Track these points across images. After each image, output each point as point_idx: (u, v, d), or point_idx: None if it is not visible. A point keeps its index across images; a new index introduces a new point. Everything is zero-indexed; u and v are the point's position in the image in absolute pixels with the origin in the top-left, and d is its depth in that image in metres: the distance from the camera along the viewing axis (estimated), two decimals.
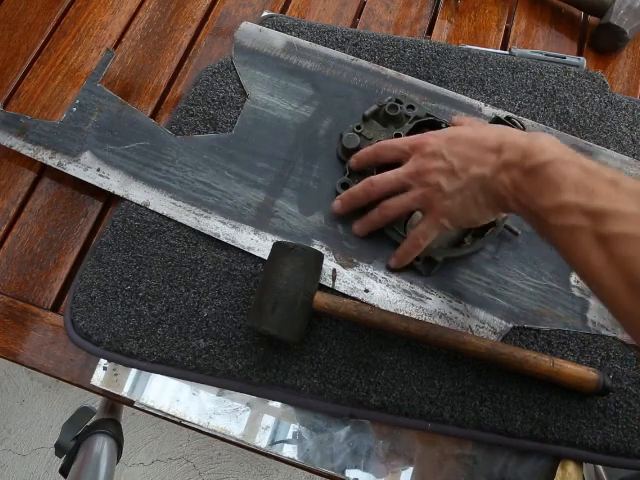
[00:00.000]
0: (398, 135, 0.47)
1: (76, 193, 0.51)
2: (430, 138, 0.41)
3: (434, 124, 0.48)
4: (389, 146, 0.43)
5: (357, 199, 0.45)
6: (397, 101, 0.49)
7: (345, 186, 0.47)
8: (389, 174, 0.42)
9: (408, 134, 0.47)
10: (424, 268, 0.45)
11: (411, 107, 0.49)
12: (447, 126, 0.47)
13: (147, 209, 0.48)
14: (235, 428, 0.43)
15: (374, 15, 0.60)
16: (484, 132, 0.38)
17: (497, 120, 0.47)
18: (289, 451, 0.43)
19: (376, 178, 0.43)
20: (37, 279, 0.48)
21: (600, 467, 0.43)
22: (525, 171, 0.34)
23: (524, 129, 0.46)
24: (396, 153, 0.43)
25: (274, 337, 0.40)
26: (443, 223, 0.40)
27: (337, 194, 0.47)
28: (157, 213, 0.48)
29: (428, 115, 0.49)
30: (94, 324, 0.44)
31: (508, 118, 0.47)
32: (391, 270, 0.46)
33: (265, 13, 0.59)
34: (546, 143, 0.34)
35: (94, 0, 0.61)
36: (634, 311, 0.28)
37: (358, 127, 0.49)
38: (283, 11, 0.61)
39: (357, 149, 0.48)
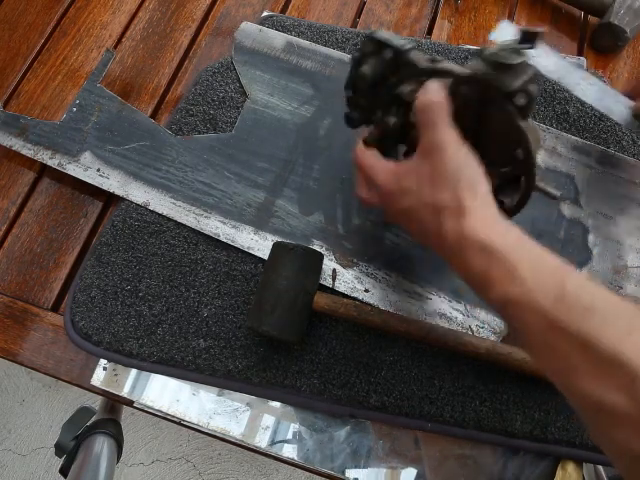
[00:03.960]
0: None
1: (76, 193, 0.51)
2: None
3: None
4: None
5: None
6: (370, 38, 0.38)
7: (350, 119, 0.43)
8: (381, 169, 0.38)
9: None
10: None
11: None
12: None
13: (147, 209, 0.48)
14: (235, 428, 0.43)
15: (374, 15, 0.60)
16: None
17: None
18: (289, 451, 0.43)
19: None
20: (37, 279, 0.48)
21: (600, 467, 0.43)
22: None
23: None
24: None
25: (274, 337, 0.40)
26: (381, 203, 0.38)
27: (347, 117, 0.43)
28: (157, 213, 0.48)
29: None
30: (94, 324, 0.44)
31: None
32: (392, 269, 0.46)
33: (265, 13, 0.58)
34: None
35: (94, 0, 0.61)
36: None
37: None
38: (283, 11, 0.60)
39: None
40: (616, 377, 0.24)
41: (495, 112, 0.34)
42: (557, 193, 0.38)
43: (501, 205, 0.39)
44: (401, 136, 0.40)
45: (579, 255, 0.47)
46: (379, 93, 0.39)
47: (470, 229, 0.30)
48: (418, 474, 0.42)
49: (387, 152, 0.40)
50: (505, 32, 0.49)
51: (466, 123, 0.34)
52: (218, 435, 0.44)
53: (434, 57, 0.38)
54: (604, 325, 0.26)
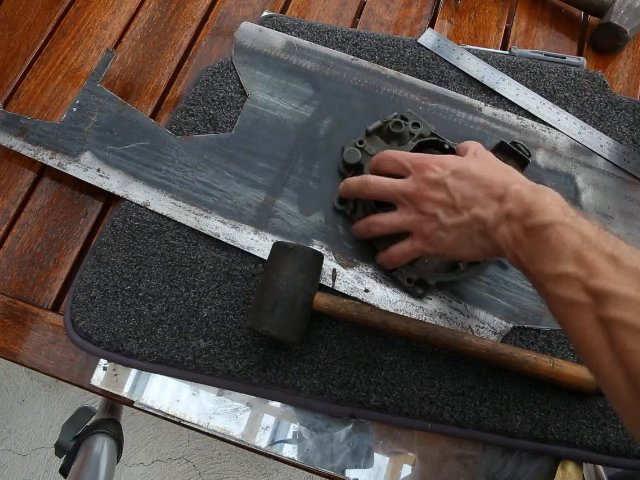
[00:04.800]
0: None
1: (76, 193, 0.51)
2: (435, 164, 0.39)
3: (438, 144, 0.47)
4: (390, 157, 0.42)
5: (350, 192, 0.45)
6: (402, 118, 0.48)
7: (343, 201, 0.47)
8: (386, 182, 0.41)
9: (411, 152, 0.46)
10: (415, 291, 0.45)
11: (416, 125, 0.48)
12: (450, 148, 0.46)
13: (147, 209, 0.48)
14: (235, 428, 0.43)
15: (374, 15, 0.60)
16: (491, 172, 0.37)
17: (502, 145, 0.46)
18: (289, 451, 0.43)
19: (372, 180, 0.42)
20: (37, 279, 0.48)
21: (600, 467, 0.43)
22: (526, 229, 0.33)
23: (529, 155, 0.46)
24: (395, 166, 0.42)
25: (274, 337, 0.40)
26: (428, 251, 0.40)
27: (335, 209, 0.48)
28: (157, 213, 0.48)
29: (433, 134, 0.47)
30: (94, 324, 0.44)
31: (513, 143, 0.46)
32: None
33: (265, 13, 0.58)
34: (548, 200, 0.33)
35: (94, 0, 0.61)
36: (633, 406, 0.27)
37: (360, 142, 0.47)
38: (283, 11, 0.60)
39: (358, 164, 0.47)
40: None
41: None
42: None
43: None
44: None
45: None
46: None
47: (549, 224, 0.32)
48: (418, 474, 0.42)
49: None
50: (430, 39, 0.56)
51: None
52: (218, 435, 0.44)
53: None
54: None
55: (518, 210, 0.33)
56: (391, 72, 0.54)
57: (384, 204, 0.47)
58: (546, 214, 0.32)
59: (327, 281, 0.45)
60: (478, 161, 0.39)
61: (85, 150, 0.50)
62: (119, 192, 0.49)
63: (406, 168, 0.41)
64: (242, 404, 0.44)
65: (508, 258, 0.35)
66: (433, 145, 0.47)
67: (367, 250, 0.46)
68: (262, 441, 0.43)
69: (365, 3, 0.61)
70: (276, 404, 0.44)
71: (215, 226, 0.47)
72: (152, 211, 0.48)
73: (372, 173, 0.44)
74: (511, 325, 0.44)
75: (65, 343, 0.46)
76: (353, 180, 0.44)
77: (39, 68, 0.57)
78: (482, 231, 0.36)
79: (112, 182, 0.49)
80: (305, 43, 0.55)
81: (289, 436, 0.43)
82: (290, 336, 0.40)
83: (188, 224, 0.47)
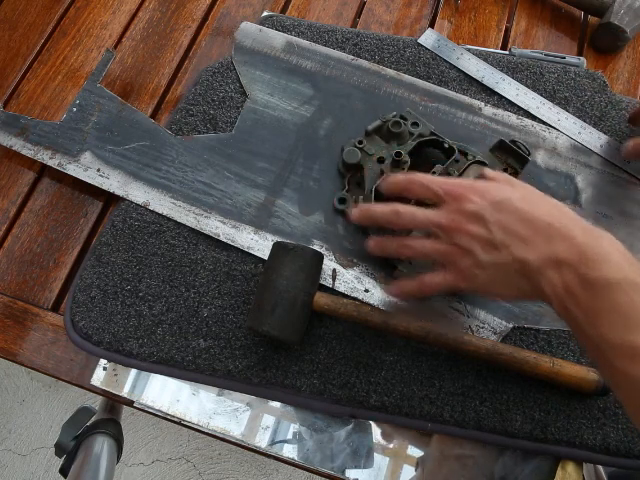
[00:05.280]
0: (399, 153, 0.45)
1: (76, 193, 0.51)
2: (472, 194, 0.35)
3: (437, 143, 0.47)
4: (419, 182, 0.38)
5: (376, 221, 0.40)
6: (402, 117, 0.48)
7: (343, 201, 0.47)
8: (419, 214, 0.37)
9: (411, 152, 0.46)
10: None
11: (415, 124, 0.48)
12: (450, 147, 0.46)
13: (147, 209, 0.48)
14: (235, 428, 0.43)
15: (374, 15, 0.60)
16: (535, 204, 0.34)
17: (501, 144, 0.47)
18: (289, 451, 0.43)
19: (402, 210, 0.38)
20: (37, 279, 0.48)
21: (600, 467, 0.43)
22: (584, 280, 0.29)
23: (529, 154, 0.46)
24: (428, 194, 0.38)
25: (274, 337, 0.40)
26: (461, 286, 0.36)
27: (335, 209, 0.47)
28: (157, 213, 0.48)
29: (432, 134, 0.47)
30: (94, 324, 0.44)
31: (513, 142, 0.46)
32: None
33: (265, 13, 0.59)
34: (606, 246, 0.30)
35: (94, 0, 0.61)
36: None
37: (360, 142, 0.47)
38: (283, 11, 0.60)
39: (358, 164, 0.47)
40: None
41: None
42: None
43: None
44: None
45: None
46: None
47: (611, 273, 0.28)
48: (418, 474, 0.42)
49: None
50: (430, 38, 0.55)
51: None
52: (218, 435, 0.44)
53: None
54: None
55: (571, 255, 0.30)
56: (391, 72, 0.54)
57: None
58: (609, 267, 0.28)
59: (327, 281, 0.45)
60: (519, 190, 0.36)
61: (85, 150, 0.50)
62: (119, 192, 0.49)
63: (439, 195, 0.37)
64: (242, 404, 0.44)
65: (554, 307, 0.32)
66: (432, 144, 0.47)
67: (367, 250, 0.46)
68: (262, 441, 0.43)
69: (365, 3, 0.61)
70: (276, 404, 0.44)
71: (215, 226, 0.47)
72: (152, 211, 0.48)
73: (391, 193, 0.40)
74: (511, 325, 0.44)
75: (65, 343, 0.46)
76: (379, 208, 0.39)
77: (39, 68, 0.57)
78: (523, 272, 0.33)
79: (112, 182, 0.49)
80: (305, 43, 0.55)
81: (289, 436, 0.43)
82: (290, 336, 0.40)
83: (188, 224, 0.47)
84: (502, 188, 0.36)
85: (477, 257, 0.34)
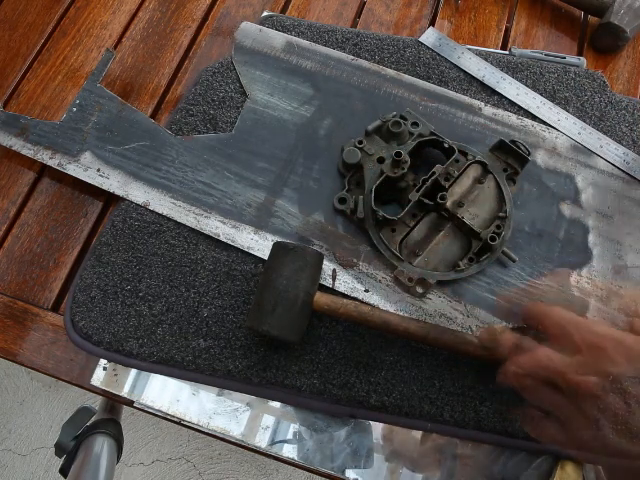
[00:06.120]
0: (399, 153, 0.45)
1: (76, 193, 0.51)
2: (616, 353, 0.28)
3: (437, 143, 0.47)
4: (554, 321, 0.32)
5: (523, 374, 0.33)
6: (401, 117, 0.48)
7: (343, 201, 0.47)
8: (543, 358, 0.31)
9: (410, 152, 0.46)
10: (416, 290, 0.44)
11: (415, 124, 0.48)
12: (450, 147, 0.45)
13: (147, 209, 0.48)
14: (235, 428, 0.43)
15: (374, 15, 0.60)
16: None
17: (501, 143, 0.47)
18: (289, 451, 0.43)
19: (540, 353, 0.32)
20: (37, 279, 0.48)
21: (600, 467, 0.43)
22: None
23: (529, 154, 0.46)
24: (559, 333, 0.32)
25: (274, 337, 0.40)
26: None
27: (335, 209, 0.47)
28: (157, 213, 0.48)
29: (432, 134, 0.47)
30: (94, 324, 0.44)
31: (513, 142, 0.46)
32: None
33: (265, 13, 0.59)
34: None
35: (94, 0, 0.61)
36: None
37: (360, 142, 0.47)
38: (283, 11, 0.60)
39: (358, 164, 0.47)
40: None
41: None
42: (516, 258, 0.45)
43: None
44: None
45: (579, 255, 0.47)
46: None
47: None
48: (418, 474, 0.42)
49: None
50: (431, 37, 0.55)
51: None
52: (218, 435, 0.44)
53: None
54: None
55: None
56: (391, 72, 0.54)
57: (386, 201, 0.47)
58: None
59: (327, 281, 0.45)
60: None
61: (85, 150, 0.50)
62: (119, 192, 0.49)
63: (574, 342, 0.30)
64: (242, 404, 0.44)
65: None
66: (432, 144, 0.47)
67: (367, 250, 0.46)
68: (262, 441, 0.43)
69: (365, 3, 0.61)
70: (276, 404, 0.44)
71: (215, 226, 0.47)
72: (152, 211, 0.48)
73: (510, 315, 0.37)
74: (511, 325, 0.44)
75: (65, 343, 0.46)
76: (525, 362, 0.33)
77: (39, 68, 0.57)
78: None
79: (112, 182, 0.49)
80: (305, 43, 0.55)
81: (289, 436, 0.43)
82: (290, 336, 0.40)
83: (188, 224, 0.47)
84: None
85: (602, 437, 0.28)
